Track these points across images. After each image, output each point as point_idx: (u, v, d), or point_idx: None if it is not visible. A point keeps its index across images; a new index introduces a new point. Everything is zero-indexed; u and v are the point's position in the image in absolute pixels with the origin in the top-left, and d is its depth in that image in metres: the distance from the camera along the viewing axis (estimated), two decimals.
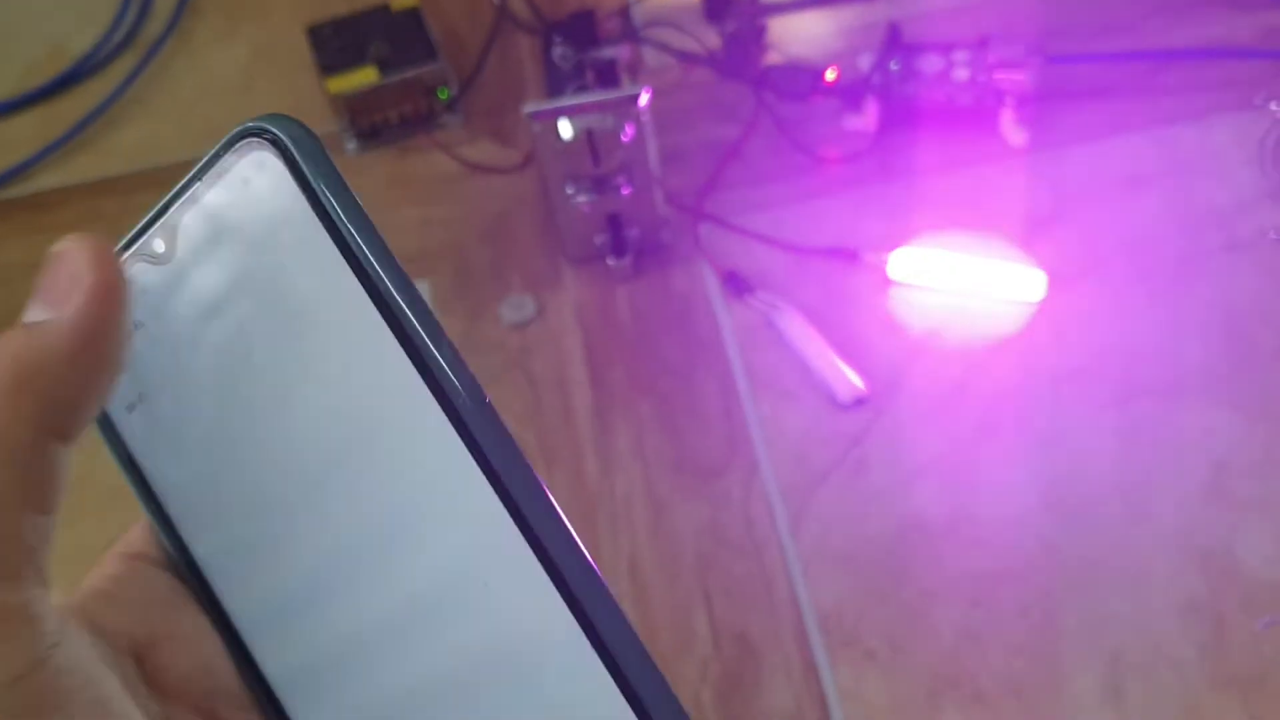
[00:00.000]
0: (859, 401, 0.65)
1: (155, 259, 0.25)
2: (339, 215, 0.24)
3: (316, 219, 0.24)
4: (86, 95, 0.86)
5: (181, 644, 0.25)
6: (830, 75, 0.76)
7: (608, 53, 0.69)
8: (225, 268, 0.25)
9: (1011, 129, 0.74)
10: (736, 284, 0.70)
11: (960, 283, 0.68)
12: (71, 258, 0.23)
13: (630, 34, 0.82)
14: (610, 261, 0.71)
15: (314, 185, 0.24)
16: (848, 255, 0.71)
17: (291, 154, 0.24)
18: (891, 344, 0.68)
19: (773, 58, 0.81)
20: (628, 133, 0.66)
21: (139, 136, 0.84)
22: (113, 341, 0.23)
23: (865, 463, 0.63)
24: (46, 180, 0.82)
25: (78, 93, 0.87)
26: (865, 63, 0.76)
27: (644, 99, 0.65)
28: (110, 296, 0.22)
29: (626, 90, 0.65)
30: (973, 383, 0.65)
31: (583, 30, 0.72)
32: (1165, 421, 0.63)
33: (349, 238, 0.24)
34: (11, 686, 0.20)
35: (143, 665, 0.24)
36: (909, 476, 0.63)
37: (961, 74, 0.74)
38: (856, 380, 0.65)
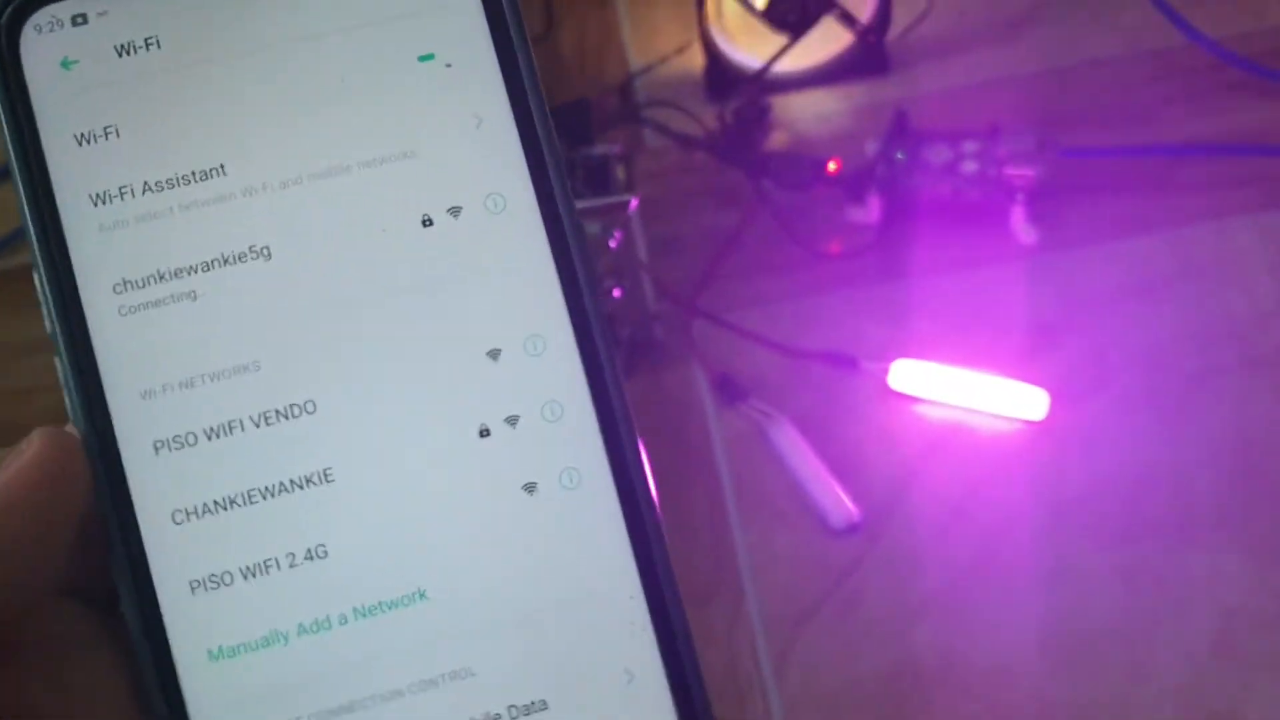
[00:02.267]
0: (853, 528, 0.63)
1: None
2: (516, 45, 0.24)
3: (489, 35, 0.24)
4: None
5: (89, 713, 0.22)
6: (832, 166, 0.73)
7: (599, 150, 0.66)
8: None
9: (1022, 226, 0.71)
10: (729, 390, 0.68)
11: (961, 397, 0.66)
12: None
13: (629, 114, 0.79)
14: None
15: (519, 60, 0.24)
16: (846, 362, 0.68)
17: None
18: (888, 461, 0.65)
19: (776, 138, 0.78)
20: (616, 238, 0.63)
21: None
22: (41, 523, 0.21)
23: (858, 596, 0.61)
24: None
25: None
26: (871, 148, 0.73)
27: (632, 205, 0.62)
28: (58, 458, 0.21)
29: (614, 198, 0.62)
30: (970, 509, 0.63)
31: (576, 123, 0.69)
32: (1171, 562, 0.60)
33: (524, 77, 0.24)
34: None
35: None
36: (902, 613, 0.60)
37: (970, 166, 0.71)
38: (850, 505, 0.63)
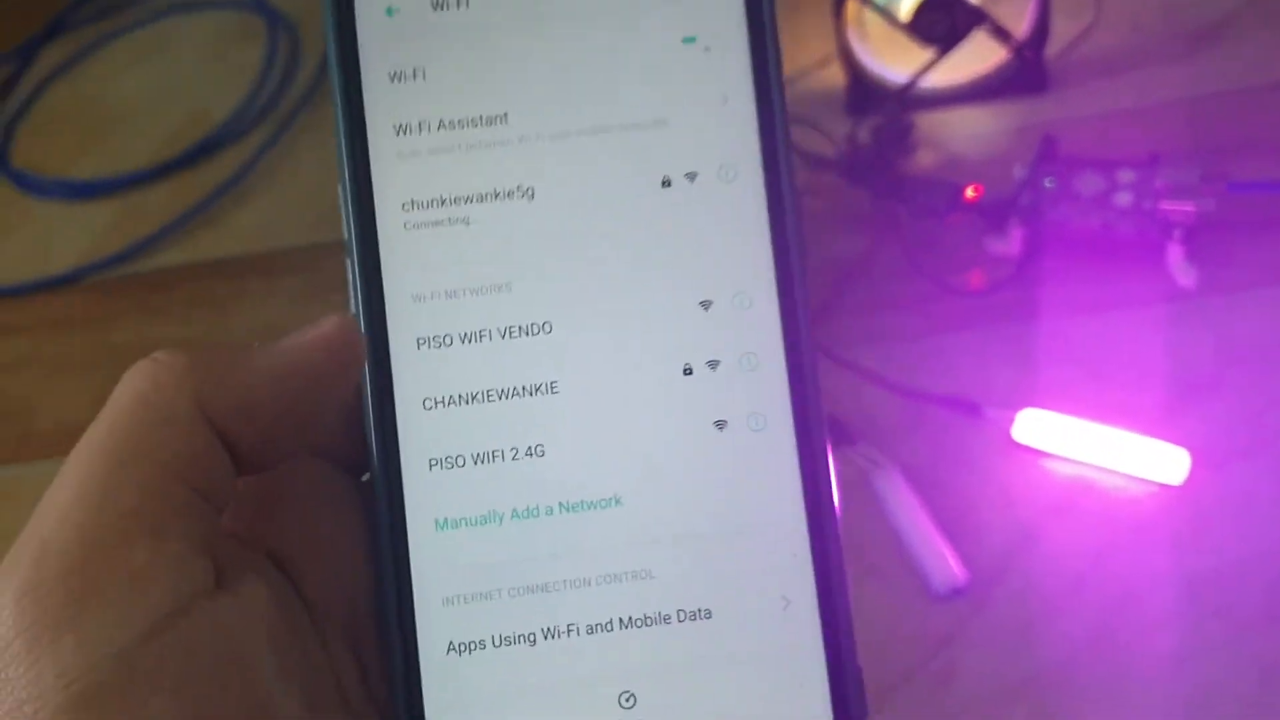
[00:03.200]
0: (956, 592, 0.57)
1: None
2: (768, 35, 0.26)
3: (745, 25, 0.27)
4: (220, 166, 0.85)
5: (332, 555, 0.25)
6: (971, 193, 0.67)
7: None
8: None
9: (1179, 266, 0.64)
10: (837, 433, 0.63)
11: (1092, 454, 0.59)
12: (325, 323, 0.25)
13: None
14: None
15: (768, 51, 0.27)
16: (968, 408, 0.62)
17: None
18: (1005, 520, 0.59)
19: (917, 160, 0.73)
20: None
21: (260, 216, 0.82)
22: (319, 387, 0.24)
23: (953, 670, 0.55)
24: (169, 257, 0.82)
25: (213, 163, 0.86)
26: (1019, 172, 0.67)
27: None
28: (343, 349, 0.24)
29: None
30: (1092, 580, 0.57)
31: None
32: None
33: (770, 65, 0.26)
34: (135, 648, 0.20)
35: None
36: (1003, 692, 0.55)
37: (1124, 198, 0.64)
38: (956, 568, 0.57)
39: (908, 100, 0.73)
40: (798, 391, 0.26)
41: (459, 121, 0.26)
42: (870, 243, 0.69)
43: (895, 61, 0.73)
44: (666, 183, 0.27)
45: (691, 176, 0.27)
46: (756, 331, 0.26)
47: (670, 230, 0.27)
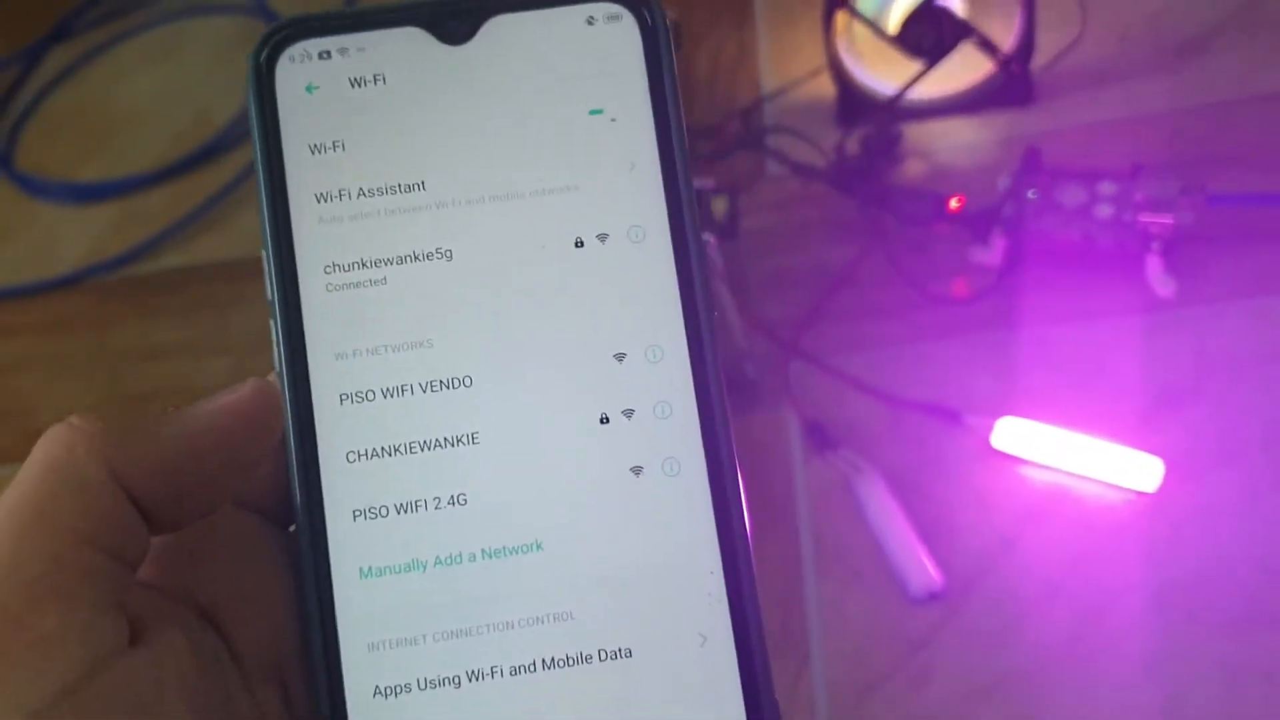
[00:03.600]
0: (933, 596, 0.59)
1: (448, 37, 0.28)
2: (669, 105, 0.28)
3: (648, 96, 0.28)
4: (222, 170, 0.87)
5: (258, 604, 0.26)
6: (954, 203, 0.68)
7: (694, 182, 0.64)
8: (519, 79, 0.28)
9: (1158, 277, 0.65)
10: (820, 438, 0.64)
11: (1069, 461, 0.61)
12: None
13: (752, 140, 0.76)
14: None
15: (661, 67, 0.28)
16: (948, 415, 0.64)
17: (653, 30, 0.28)
18: (982, 526, 0.60)
19: (904, 170, 0.74)
20: None
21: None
22: (231, 449, 0.25)
23: (927, 673, 0.57)
24: (170, 259, 0.83)
25: (215, 167, 0.87)
26: (1003, 184, 0.68)
27: (710, 244, 0.60)
28: (256, 408, 0.25)
29: None
30: (1066, 585, 0.58)
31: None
32: None
33: (673, 132, 0.27)
34: (46, 710, 0.21)
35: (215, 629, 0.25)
36: (975, 695, 0.56)
37: (1104, 210, 0.65)
38: (933, 572, 0.59)
39: (896, 111, 0.74)
40: (710, 437, 0.27)
41: (378, 189, 0.28)
42: (857, 251, 0.71)
43: (884, 73, 0.74)
44: (579, 243, 0.28)
45: (603, 238, 0.28)
46: (669, 381, 0.27)
47: (584, 288, 0.28)
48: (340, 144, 0.28)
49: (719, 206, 0.65)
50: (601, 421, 0.27)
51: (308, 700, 0.26)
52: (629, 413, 0.27)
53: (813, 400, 0.66)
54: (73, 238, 0.85)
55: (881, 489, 0.62)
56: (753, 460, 0.65)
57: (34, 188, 0.88)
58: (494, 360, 0.27)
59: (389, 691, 0.26)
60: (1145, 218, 0.64)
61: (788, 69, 0.81)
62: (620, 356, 0.27)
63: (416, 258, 0.28)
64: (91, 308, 0.82)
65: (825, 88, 0.78)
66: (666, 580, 0.27)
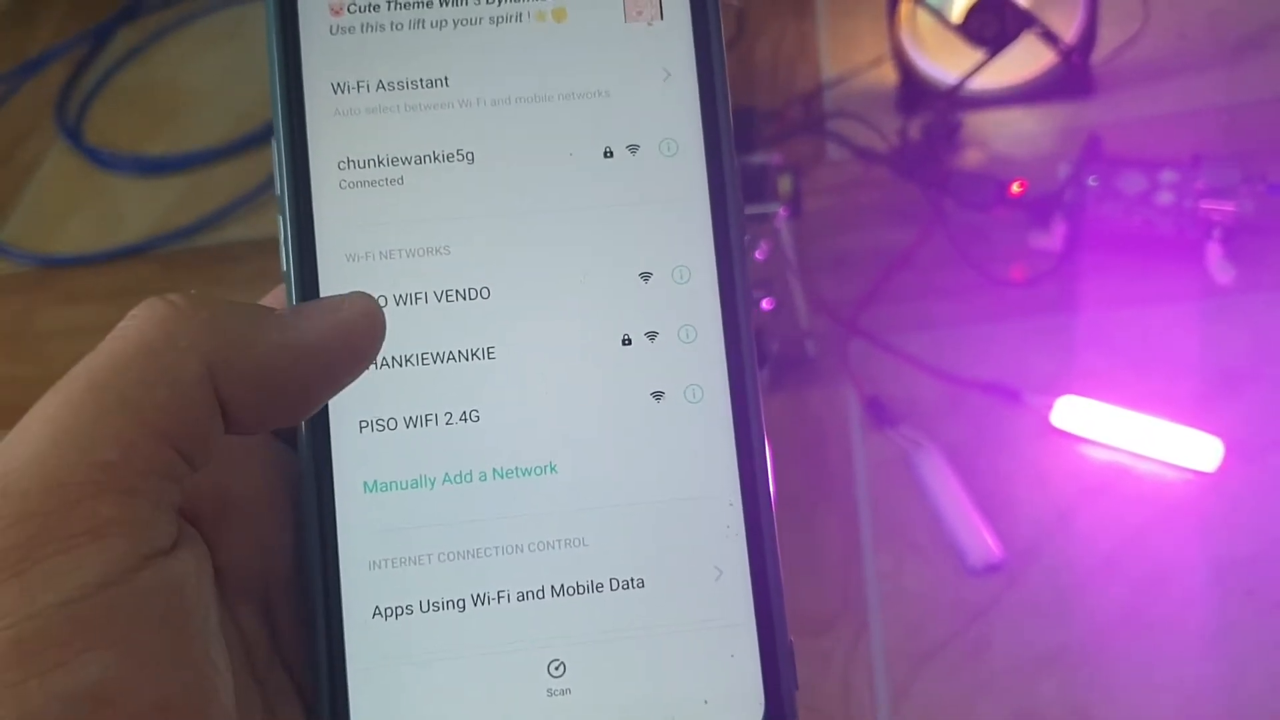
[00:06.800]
0: (991, 568, 0.59)
1: None
2: (710, 16, 0.26)
3: (689, 4, 0.27)
4: None
5: (246, 518, 0.24)
6: (1016, 188, 0.69)
7: (758, 159, 0.65)
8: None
9: (1217, 264, 0.65)
10: (879, 413, 0.65)
11: (1128, 440, 0.61)
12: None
13: (812, 125, 0.77)
14: None
15: (710, 29, 0.27)
16: (1008, 394, 0.64)
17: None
18: (1041, 501, 0.61)
19: (964, 157, 0.75)
20: (762, 250, 0.62)
21: None
22: (330, 376, 0.23)
23: (986, 641, 0.57)
24: (234, 232, 0.85)
25: None
26: (1063, 171, 0.69)
27: (779, 216, 0.61)
28: (363, 328, 0.23)
29: (759, 207, 0.61)
30: (1123, 561, 0.58)
31: (737, 130, 0.68)
32: None
33: (712, 44, 0.26)
34: (82, 600, 0.19)
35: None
36: (1032, 666, 0.56)
37: (1165, 198, 0.66)
38: (992, 544, 0.59)
39: (957, 100, 0.75)
40: (735, 364, 0.26)
41: (398, 82, 0.26)
42: (918, 234, 0.71)
43: (946, 62, 0.76)
44: (608, 153, 0.26)
45: (633, 149, 0.26)
46: (695, 304, 0.26)
47: (611, 201, 0.26)
48: (362, 28, 0.26)
49: (785, 185, 0.66)
50: (624, 343, 0.26)
51: (297, 622, 0.25)
52: (652, 335, 0.26)
53: (872, 379, 0.67)
54: (139, 210, 0.87)
55: (941, 463, 0.62)
56: (812, 435, 0.66)
57: (103, 160, 0.90)
58: (513, 272, 0.26)
59: (389, 613, 0.25)
60: (1206, 205, 0.65)
61: (847, 58, 0.82)
62: (646, 276, 0.26)
63: (436, 158, 0.26)
64: (156, 277, 0.83)
65: (885, 76, 0.79)
66: (683, 510, 0.26)
